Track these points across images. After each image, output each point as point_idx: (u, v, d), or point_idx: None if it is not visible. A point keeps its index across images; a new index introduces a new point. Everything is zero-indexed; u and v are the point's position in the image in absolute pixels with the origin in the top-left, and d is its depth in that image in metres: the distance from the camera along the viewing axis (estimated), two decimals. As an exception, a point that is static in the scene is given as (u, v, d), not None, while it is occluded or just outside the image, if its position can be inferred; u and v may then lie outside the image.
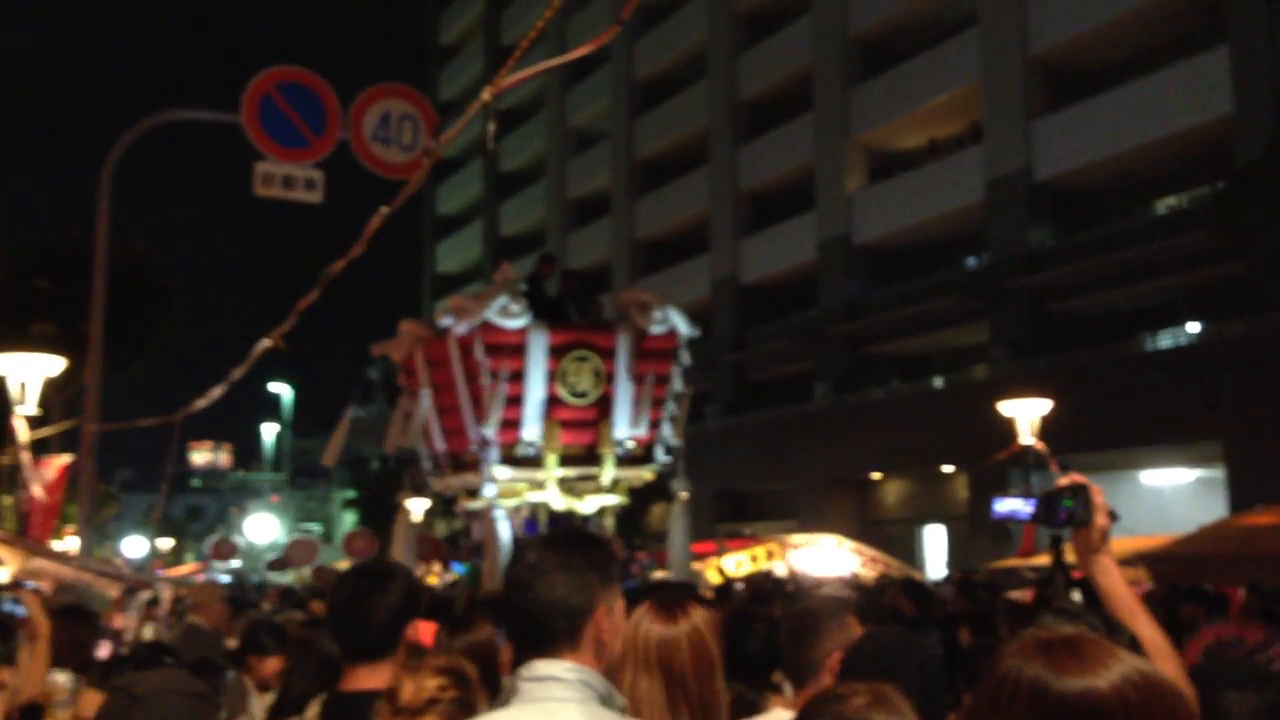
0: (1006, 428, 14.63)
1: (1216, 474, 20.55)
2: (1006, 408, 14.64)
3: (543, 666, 2.02)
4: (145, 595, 7.34)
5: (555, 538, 2.13)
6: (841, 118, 30.57)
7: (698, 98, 36.55)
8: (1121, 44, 24.26)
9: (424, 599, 2.84)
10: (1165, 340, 22.94)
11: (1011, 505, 2.33)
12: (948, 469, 25.96)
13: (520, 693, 2.02)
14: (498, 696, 2.08)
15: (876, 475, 28.57)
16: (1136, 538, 15.15)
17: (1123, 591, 2.10)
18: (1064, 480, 2.27)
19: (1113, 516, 2.23)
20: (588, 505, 11.81)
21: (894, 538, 26.65)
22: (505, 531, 11.16)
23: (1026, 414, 14.06)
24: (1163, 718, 1.19)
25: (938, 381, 27.90)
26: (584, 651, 2.06)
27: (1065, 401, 15.88)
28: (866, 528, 26.97)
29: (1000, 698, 1.24)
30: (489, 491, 11.30)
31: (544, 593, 2.05)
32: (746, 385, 33.75)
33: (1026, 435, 13.79)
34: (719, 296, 34.63)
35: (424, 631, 4.17)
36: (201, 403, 8.84)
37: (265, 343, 6.89)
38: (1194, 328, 22.71)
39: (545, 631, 2.04)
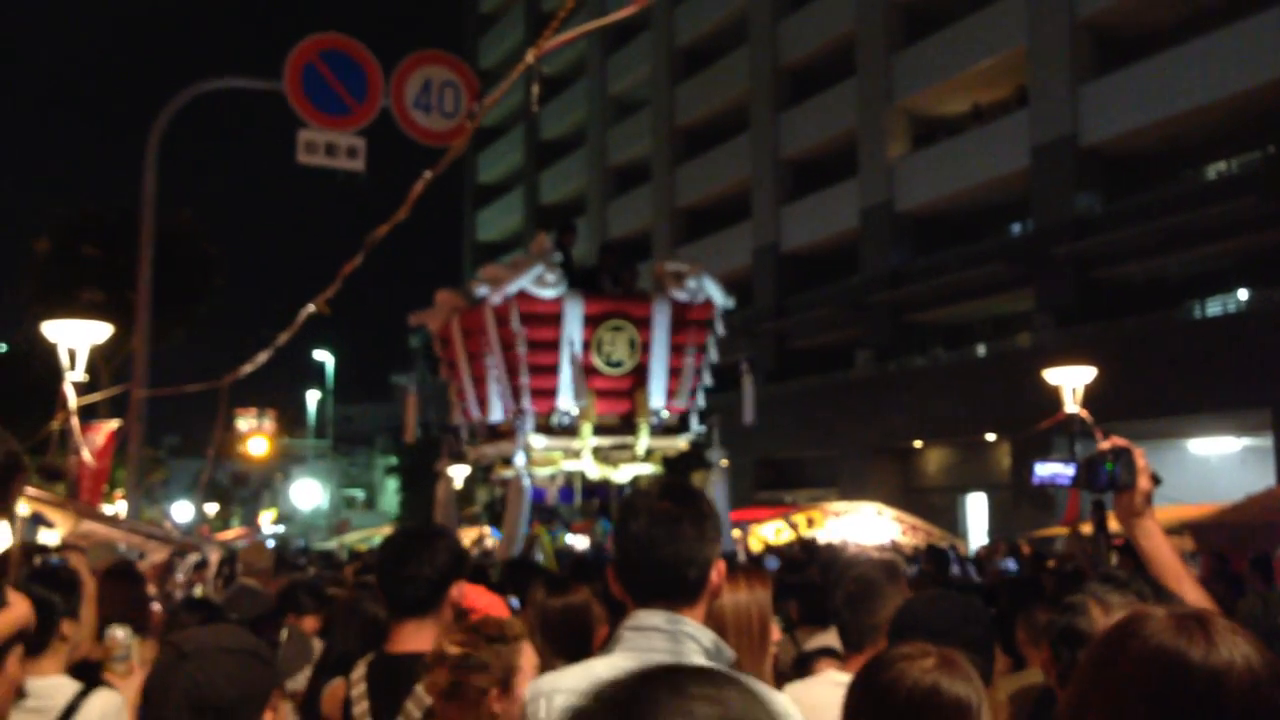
0: (1051, 396, 14.49)
1: (1265, 443, 20.29)
2: (1051, 375, 14.49)
3: (645, 617, 2.06)
4: (194, 558, 7.45)
5: (666, 492, 2.14)
6: (885, 83, 30.23)
7: (739, 64, 36.25)
8: (1171, 5, 23.80)
9: (469, 563, 2.87)
10: (1214, 307, 22.61)
11: (1052, 470, 2.31)
12: (990, 437, 25.78)
13: (622, 641, 2.06)
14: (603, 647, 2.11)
15: (918, 443, 28.43)
16: (1183, 506, 15.00)
17: (1167, 555, 2.08)
18: (1105, 444, 2.25)
19: (1155, 480, 2.20)
20: (622, 474, 11.84)
21: (936, 506, 26.53)
22: (528, 495, 11.25)
23: (1071, 382, 13.90)
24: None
25: (981, 349, 27.67)
26: (700, 605, 2.10)
27: (1111, 369, 15.71)
28: (908, 496, 26.87)
29: (1130, 669, 1.22)
30: (519, 460, 11.35)
31: (673, 548, 2.06)
32: (788, 353, 33.63)
33: (1071, 403, 13.64)
34: (760, 264, 34.47)
35: (473, 596, 4.21)
36: (248, 368, 8.94)
37: (310, 308, 6.95)
38: (1243, 295, 22.36)
39: (674, 586, 2.07)
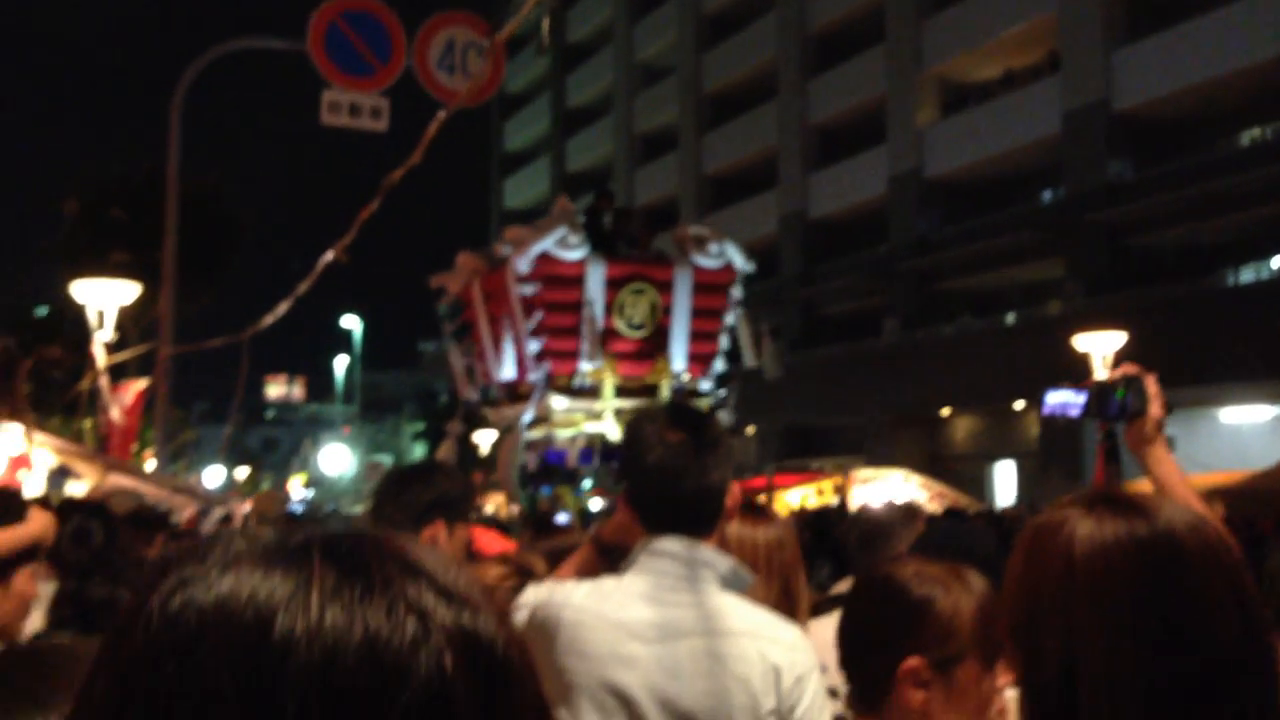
0: (1080, 363, 14.40)
1: (1297, 412, 20.10)
2: (1080, 342, 14.40)
3: (661, 543, 2.05)
4: (219, 512, 7.52)
5: (677, 420, 2.11)
6: (914, 49, 29.92)
7: (767, 30, 35.97)
8: (1208, -32, 23.42)
9: (466, 500, 2.83)
10: (1247, 275, 22.34)
11: (1062, 398, 2.26)
12: (1019, 405, 25.65)
13: (637, 564, 2.06)
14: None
15: (946, 411, 28.32)
16: (1215, 474, 14.89)
17: (1178, 483, 2.05)
18: (1117, 372, 2.22)
19: (1167, 408, 2.17)
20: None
21: (963, 474, 26.44)
22: (521, 451, 11.32)
23: (1101, 349, 13.82)
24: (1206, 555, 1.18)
25: (1010, 317, 27.47)
26: (717, 531, 2.10)
27: (1142, 337, 15.58)
28: (935, 464, 26.78)
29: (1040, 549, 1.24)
30: (526, 417, 11.40)
31: (697, 479, 2.05)
32: (815, 321, 33.52)
33: (1101, 370, 13.56)
34: (787, 231, 34.31)
35: (486, 541, 4.23)
36: (269, 319, 8.99)
37: (329, 256, 6.97)
38: (1276, 262, 22.08)
39: (693, 519, 2.06)
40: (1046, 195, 27.84)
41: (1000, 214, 27.84)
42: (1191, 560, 1.19)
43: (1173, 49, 23.09)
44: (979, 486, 26.44)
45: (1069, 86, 25.40)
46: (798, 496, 19.80)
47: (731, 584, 2.06)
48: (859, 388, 28.91)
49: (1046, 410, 2.27)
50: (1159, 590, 1.18)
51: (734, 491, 2.13)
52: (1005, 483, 27.71)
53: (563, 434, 11.59)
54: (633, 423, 2.18)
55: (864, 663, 1.72)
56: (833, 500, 19.03)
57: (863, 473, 20.88)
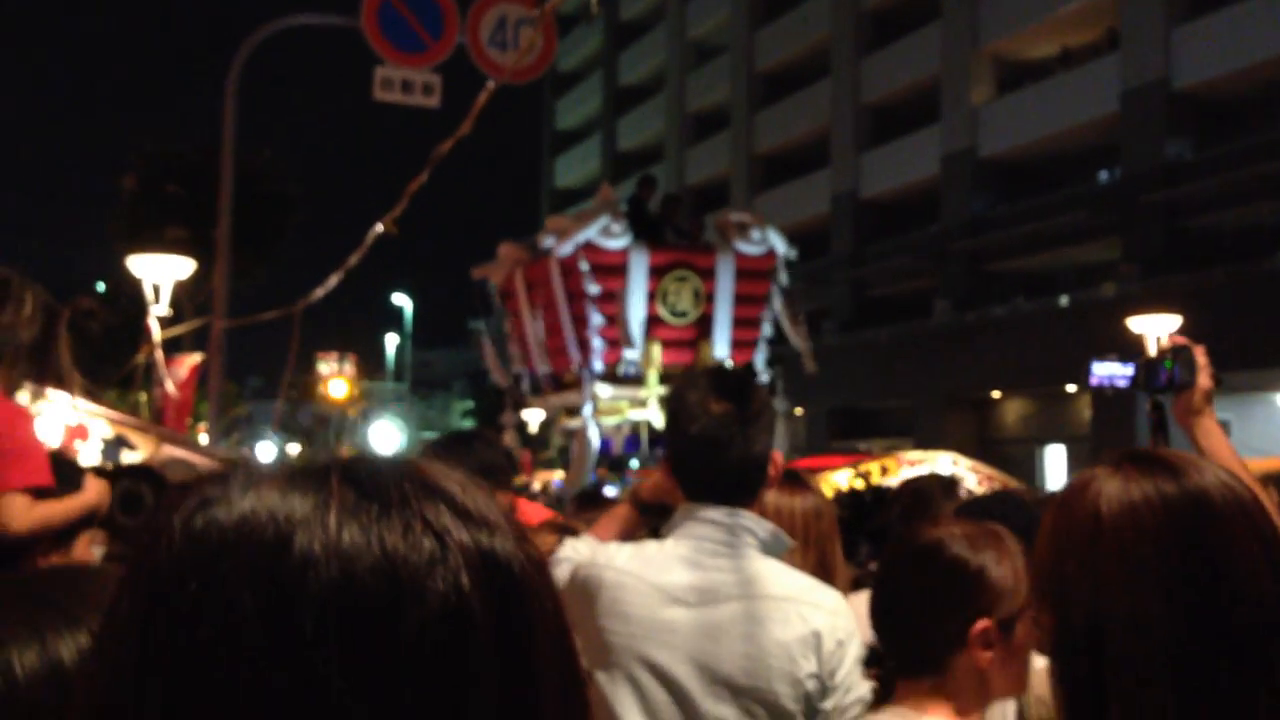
0: (1135, 346, 14.20)
1: (1358, 397, 19.71)
2: (1135, 325, 14.20)
3: (703, 509, 2.05)
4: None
5: (721, 389, 2.10)
6: (970, 26, 29.54)
7: (820, 7, 35.64)
8: (1273, -57, 22.90)
9: (507, 469, 2.85)
10: (1308, 258, 21.84)
11: (1110, 369, 2.23)
12: (1071, 388, 25.35)
13: (678, 528, 2.07)
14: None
15: (996, 394, 28.05)
16: (1270, 459, 14.64)
17: (1227, 456, 2.02)
18: (1166, 343, 2.19)
19: (1216, 381, 2.15)
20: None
21: (1013, 457, 26.19)
22: (595, 443, 11.38)
23: (1155, 331, 13.62)
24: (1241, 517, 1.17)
25: (1063, 299, 27.13)
26: (758, 500, 2.10)
27: (1198, 320, 15.31)
28: (985, 447, 26.55)
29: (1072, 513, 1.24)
30: (587, 410, 11.45)
31: (740, 450, 2.05)
32: (865, 302, 33.30)
33: (1155, 353, 13.35)
34: (838, 211, 34.08)
35: (530, 512, 4.26)
36: (320, 292, 9.07)
37: (379, 228, 7.02)
38: (1340, 245, 21.62)
39: (739, 487, 2.06)
40: (1103, 175, 27.41)
41: (1055, 194, 27.47)
42: (1221, 519, 1.18)
43: (1234, 27, 22.62)
44: (1029, 470, 26.18)
45: (1128, 65, 24.97)
46: (844, 478, 19.72)
47: (772, 549, 2.06)
48: (909, 369, 28.70)
49: (1094, 381, 2.24)
50: (1186, 548, 1.18)
51: (776, 460, 2.13)
52: (1056, 467, 27.42)
53: (608, 421, 11.65)
54: (675, 391, 2.17)
55: (920, 629, 1.72)
56: (878, 481, 18.94)
57: (911, 455, 20.74)
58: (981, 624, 1.67)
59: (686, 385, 2.14)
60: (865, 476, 19.22)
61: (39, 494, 2.45)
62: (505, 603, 0.55)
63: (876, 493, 15.77)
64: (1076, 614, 1.21)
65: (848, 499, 13.48)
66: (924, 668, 1.71)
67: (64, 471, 2.54)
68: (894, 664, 1.74)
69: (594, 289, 11.21)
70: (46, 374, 2.49)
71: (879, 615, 1.78)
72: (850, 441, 29.84)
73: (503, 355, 12.88)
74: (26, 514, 2.25)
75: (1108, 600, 1.19)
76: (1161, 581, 1.17)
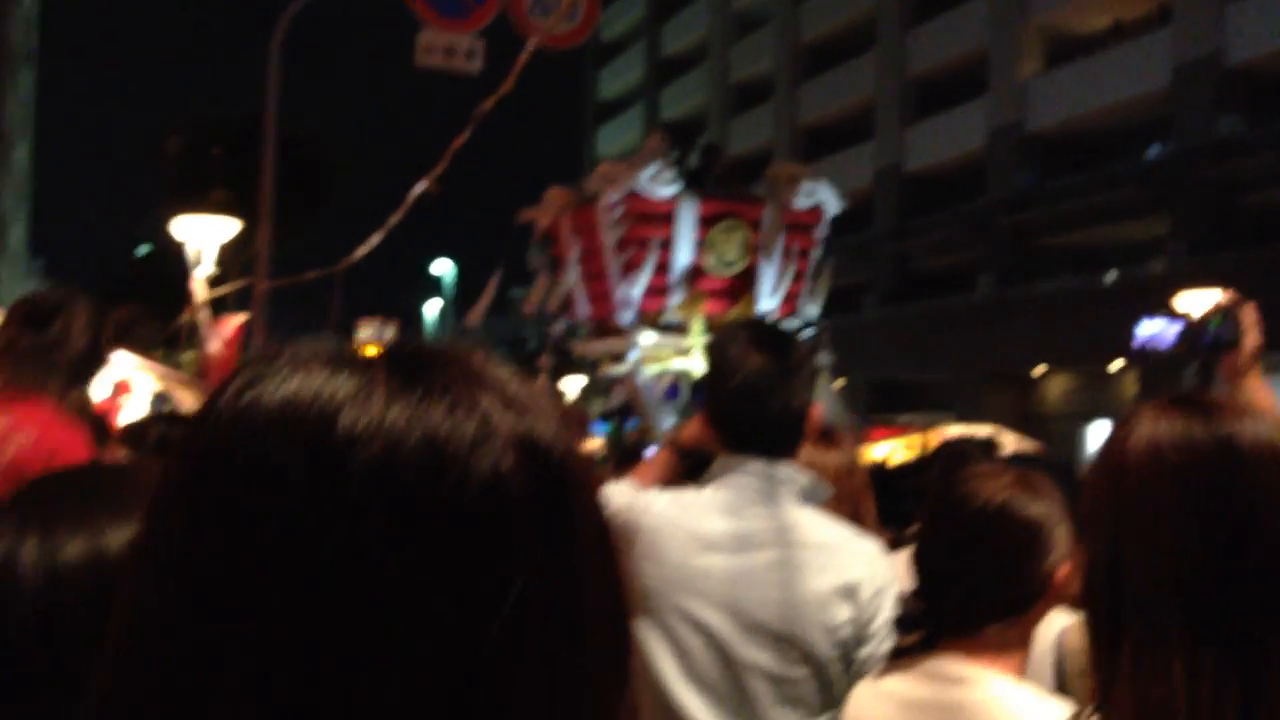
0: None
1: None
2: (1181, 302, 13.97)
3: (742, 460, 2.05)
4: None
5: (759, 342, 2.09)
6: (1019, -2, 29.14)
7: (867, -23, 35.28)
8: (1334, -86, 22.38)
9: None
10: (1363, 236, 21.47)
11: (1154, 328, 2.19)
12: (1116, 366, 25.10)
13: (716, 477, 2.07)
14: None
15: (1040, 370, 27.82)
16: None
17: (1274, 416, 1.99)
18: (1212, 305, 2.15)
19: (1268, 342, 2.10)
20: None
21: (1056, 434, 25.99)
22: (647, 391, 11.37)
23: (1203, 308, 13.42)
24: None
25: (1110, 276, 26.82)
26: (797, 453, 2.11)
27: (1247, 298, 15.11)
28: (1028, 423, 26.31)
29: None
30: (634, 355, 11.44)
31: (779, 403, 2.05)
32: (907, 276, 33.07)
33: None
34: (881, 185, 33.81)
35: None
36: (362, 251, 9.13)
37: (421, 186, 7.04)
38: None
39: (778, 440, 2.06)
40: (1153, 151, 27.03)
41: (1103, 169, 27.11)
42: (1249, 466, 1.17)
43: (1292, -1, 22.17)
44: (1071, 448, 25.97)
45: (1180, 39, 24.54)
46: (884, 450, 19.64)
47: (810, 498, 2.05)
48: (951, 344, 28.51)
49: (1138, 342, 2.20)
50: (1207, 490, 1.16)
51: (814, 414, 2.12)
52: (1099, 445, 27.17)
53: (649, 370, 11.65)
54: (716, 343, 2.16)
55: (990, 586, 1.69)
56: (920, 454, 18.85)
57: (953, 429, 20.65)
58: (1064, 570, 1.66)
59: (727, 338, 2.14)
60: (907, 450, 19.21)
61: None
62: (547, 488, 0.55)
63: (915, 466, 15.74)
64: (1101, 548, 1.22)
65: (885, 474, 13.47)
66: (983, 622, 1.69)
67: (98, 429, 2.60)
68: (944, 621, 1.72)
69: (640, 236, 11.19)
70: (86, 377, 2.57)
71: (932, 573, 1.76)
72: (890, 415, 29.72)
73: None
74: None
75: (1128, 535, 1.19)
76: (1178, 520, 1.16)
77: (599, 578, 0.58)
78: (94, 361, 2.57)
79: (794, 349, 2.11)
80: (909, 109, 33.44)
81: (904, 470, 10.46)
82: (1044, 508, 1.70)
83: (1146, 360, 21.24)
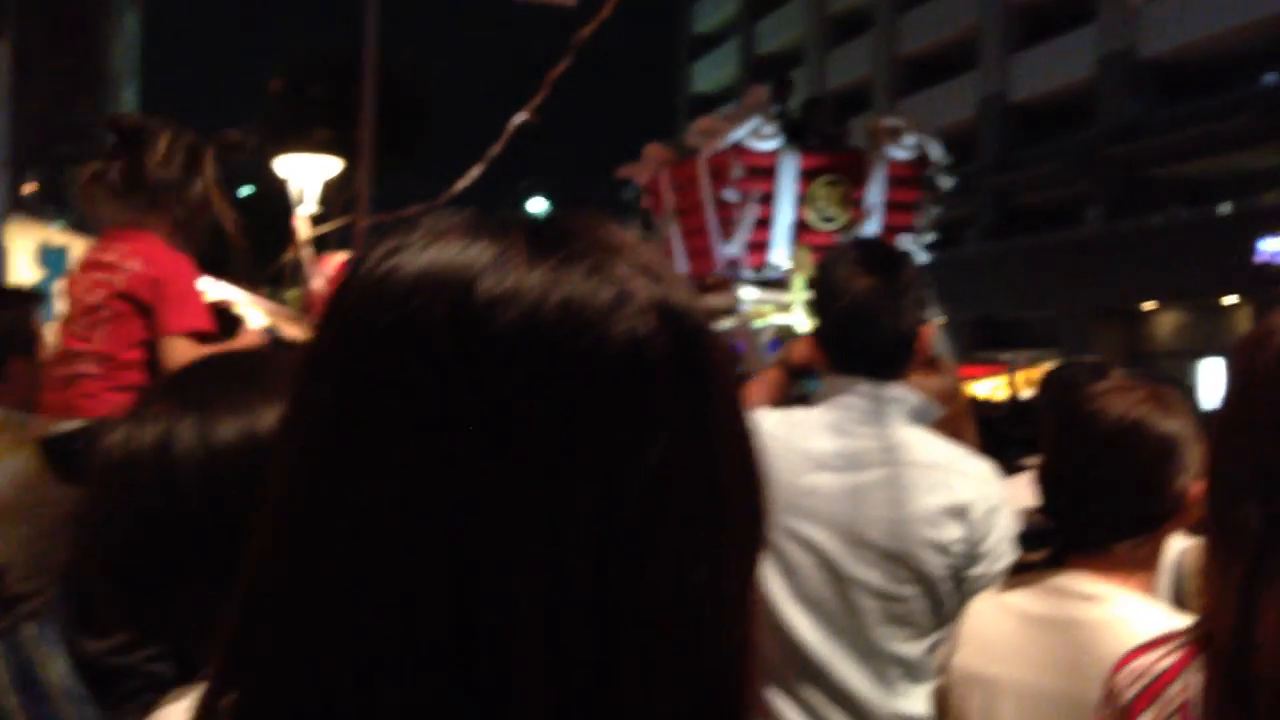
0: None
1: None
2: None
3: (851, 381, 2.04)
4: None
5: (870, 263, 2.06)
6: (1132, -82, 28.04)
7: (971, -99, 34.23)
8: None
9: None
10: None
11: (1276, 245, 2.09)
12: (1230, 300, 24.35)
13: (824, 398, 2.07)
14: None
15: (1149, 306, 27.12)
16: None
17: None
18: None
19: None
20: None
21: (1166, 371, 25.34)
22: (758, 342, 11.34)
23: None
24: None
25: (1224, 208, 25.95)
26: (907, 374, 2.09)
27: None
28: (1135, 361, 25.72)
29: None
30: (743, 308, 11.44)
31: (889, 325, 2.03)
32: (1010, 210, 32.38)
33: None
34: (985, 116, 33.02)
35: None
36: (461, 183, 9.20)
37: (520, 117, 7.05)
38: None
39: (887, 362, 2.05)
40: (1269, 78, 25.96)
41: (1218, 97, 26.14)
42: None
43: None
44: (1182, 384, 25.33)
45: (1303, -44, 23.44)
46: (987, 388, 19.38)
47: (920, 418, 2.02)
48: (1055, 280, 27.91)
49: (1260, 258, 2.11)
50: None
51: (925, 334, 2.08)
52: (1212, 381, 26.45)
53: (751, 325, 11.63)
54: (824, 265, 2.15)
55: (1114, 502, 1.66)
56: (1023, 393, 18.55)
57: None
58: (1196, 489, 1.62)
59: (835, 259, 2.12)
60: (1009, 388, 18.91)
61: (201, 338, 2.54)
62: (684, 352, 0.56)
63: (1018, 405, 15.48)
64: (1239, 463, 1.17)
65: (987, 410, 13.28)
66: (1114, 539, 1.66)
67: (222, 319, 2.66)
68: (1072, 537, 1.68)
69: (742, 191, 11.13)
70: (194, 211, 2.58)
71: (1060, 489, 1.72)
72: (993, 352, 29.27)
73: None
74: (189, 356, 2.33)
75: (1269, 449, 1.14)
76: None
77: (733, 445, 0.59)
78: (186, 186, 2.58)
79: (904, 269, 2.07)
80: (1013, 37, 32.54)
81: (1009, 417, 10.31)
82: (1178, 424, 1.66)
83: (1266, 280, 20.59)
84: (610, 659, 0.53)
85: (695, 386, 0.56)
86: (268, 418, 0.87)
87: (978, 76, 33.64)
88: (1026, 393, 18.55)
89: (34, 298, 2.88)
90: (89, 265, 2.54)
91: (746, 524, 0.60)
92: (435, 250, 0.56)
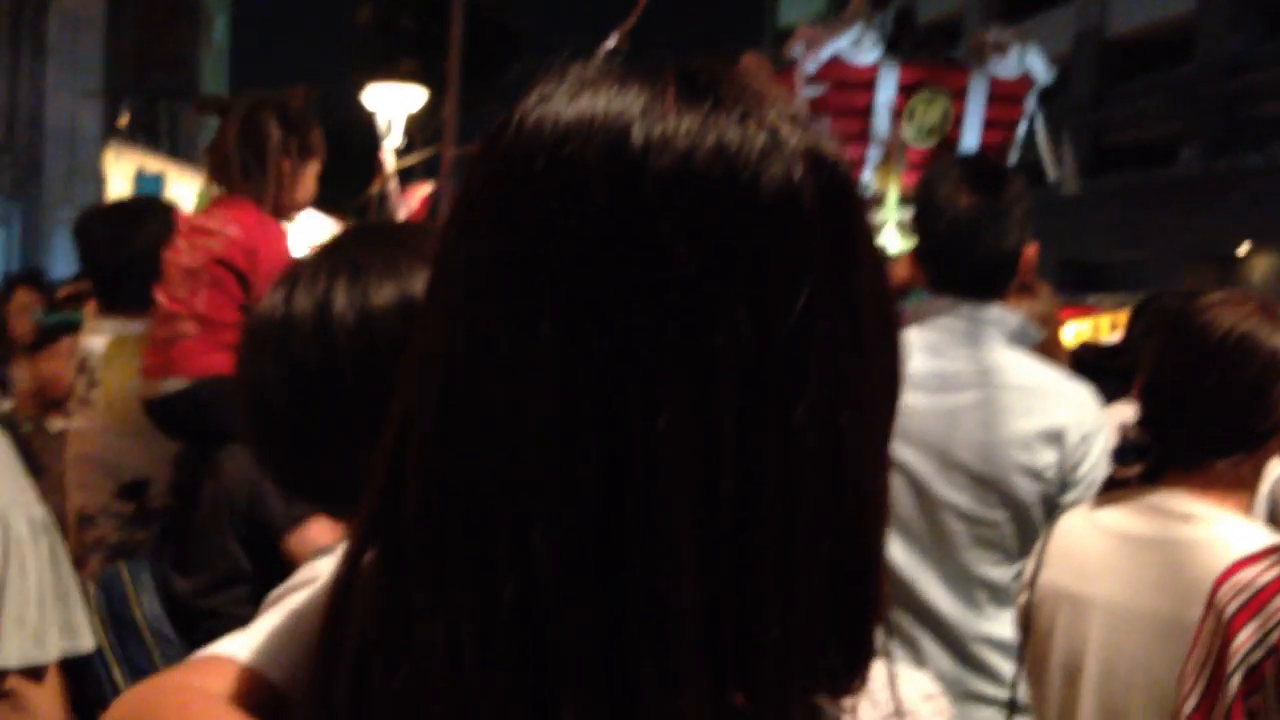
0: None
1: None
2: None
3: (950, 302, 2.02)
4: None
5: (974, 178, 2.02)
6: None
7: None
8: None
9: None
10: None
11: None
12: (1330, 244, 23.56)
13: (921, 319, 2.05)
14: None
15: (1244, 249, 26.32)
16: None
17: None
18: None
19: None
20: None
21: (1258, 316, 24.67)
22: None
23: None
24: None
25: (1329, 148, 25.02)
26: (1008, 293, 2.06)
27: None
28: (1227, 305, 25.08)
29: None
30: None
31: (994, 242, 1.99)
32: (1104, 148, 31.50)
33: None
34: (1081, 50, 32.06)
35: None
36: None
37: (610, 41, 7.00)
38: None
39: (988, 283, 2.01)
40: (1387, 10, 24.86)
41: (1329, 31, 25.12)
42: None
43: None
44: (1276, 330, 24.65)
45: None
46: (1073, 332, 18.98)
47: (1019, 340, 2.00)
48: (1147, 221, 27.20)
49: None
50: None
51: (1027, 255, 2.05)
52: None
53: None
54: (926, 180, 2.10)
55: (1218, 418, 1.63)
56: (1106, 337, 18.13)
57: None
58: None
59: (938, 175, 2.07)
60: (1095, 331, 18.53)
61: None
62: (833, 200, 0.56)
63: (1100, 350, 15.18)
64: None
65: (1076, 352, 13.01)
66: (1216, 457, 1.63)
67: None
68: (1171, 454, 1.65)
69: (841, 104, 10.95)
70: (282, 178, 2.64)
71: (1162, 404, 1.69)
72: (1079, 295, 28.69)
73: None
74: None
75: None
76: None
77: (874, 298, 0.59)
78: (262, 157, 2.63)
79: (1007, 187, 2.03)
80: (1114, -32, 31.50)
81: (1105, 350, 10.10)
82: None
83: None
84: (753, 501, 0.54)
85: (842, 235, 0.57)
86: (420, 281, 0.88)
87: (1075, 9, 32.63)
88: (1112, 337, 18.17)
89: (173, 208, 2.97)
90: (189, 230, 2.60)
91: (885, 379, 0.60)
92: (586, 99, 0.56)
